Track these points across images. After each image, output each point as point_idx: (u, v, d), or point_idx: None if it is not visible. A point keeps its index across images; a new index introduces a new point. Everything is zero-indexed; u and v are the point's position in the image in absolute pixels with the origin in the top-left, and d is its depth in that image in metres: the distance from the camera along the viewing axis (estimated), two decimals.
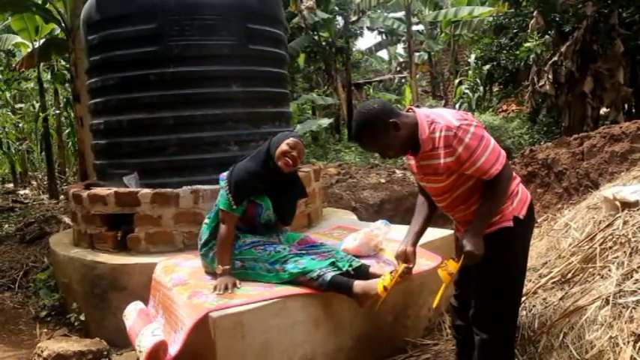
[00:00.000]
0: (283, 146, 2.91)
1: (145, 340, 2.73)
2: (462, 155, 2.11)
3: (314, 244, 3.07)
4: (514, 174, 2.34)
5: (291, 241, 3.08)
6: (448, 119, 2.13)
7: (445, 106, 14.50)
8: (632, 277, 2.48)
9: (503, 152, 2.17)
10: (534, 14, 8.98)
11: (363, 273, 2.85)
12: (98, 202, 3.85)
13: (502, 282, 2.29)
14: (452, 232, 3.51)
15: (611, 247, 2.79)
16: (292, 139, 2.95)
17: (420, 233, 2.48)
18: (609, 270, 2.61)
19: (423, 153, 2.20)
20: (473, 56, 13.46)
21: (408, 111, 2.29)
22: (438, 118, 2.16)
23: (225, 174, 2.99)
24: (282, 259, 2.84)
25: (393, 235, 3.48)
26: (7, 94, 12.96)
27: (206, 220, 3.10)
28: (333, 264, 2.82)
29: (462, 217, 2.36)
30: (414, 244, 2.45)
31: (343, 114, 15.16)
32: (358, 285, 2.69)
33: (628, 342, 2.18)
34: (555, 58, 8.70)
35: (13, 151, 13.10)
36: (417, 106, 2.37)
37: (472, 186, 2.24)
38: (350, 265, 2.84)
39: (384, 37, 16.81)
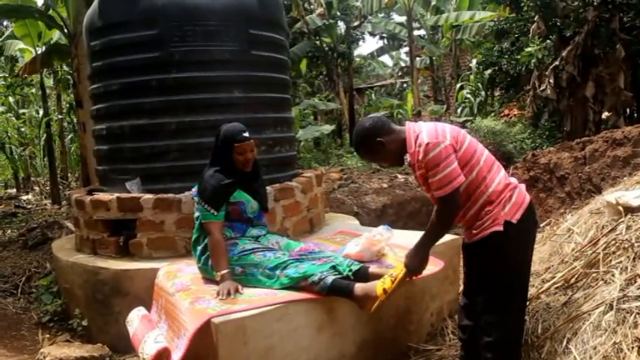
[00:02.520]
0: (236, 156, 2.99)
1: (148, 347, 2.73)
2: (424, 169, 2.30)
3: (312, 251, 3.07)
4: (509, 179, 2.40)
5: (290, 249, 3.08)
6: (423, 136, 2.31)
7: (447, 110, 14.50)
8: (635, 282, 2.47)
9: (459, 180, 2.26)
10: (535, 19, 9.00)
11: (363, 275, 2.85)
12: (100, 208, 3.85)
13: (500, 284, 2.34)
14: (455, 237, 3.51)
15: (614, 252, 2.78)
16: (238, 144, 2.97)
17: None
18: (613, 275, 2.60)
19: (411, 165, 2.40)
20: (474, 61, 13.46)
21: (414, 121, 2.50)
22: (421, 134, 2.33)
23: (195, 190, 3.07)
24: (282, 264, 2.84)
25: (395, 241, 3.47)
26: (11, 100, 13.01)
27: (193, 237, 3.13)
28: (333, 268, 2.83)
29: (461, 222, 2.48)
30: None
31: (345, 119, 15.15)
32: (359, 287, 2.69)
33: (632, 348, 2.17)
34: (557, 63, 8.71)
35: (16, 157, 13.13)
36: (420, 113, 2.46)
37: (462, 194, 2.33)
38: (350, 270, 2.85)
39: (386, 42, 16.84)
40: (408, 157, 2.40)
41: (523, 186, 2.46)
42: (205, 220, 2.95)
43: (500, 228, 2.29)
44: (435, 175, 2.26)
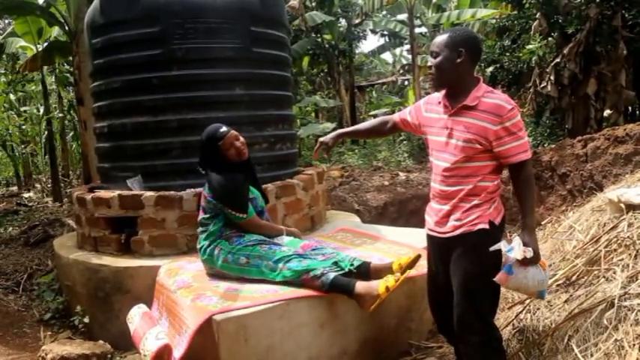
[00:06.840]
0: (226, 152, 3.01)
1: (149, 343, 2.73)
2: (503, 129, 2.18)
3: (315, 247, 3.08)
4: (496, 185, 2.33)
5: (293, 246, 3.08)
6: (507, 97, 2.25)
7: None
8: (637, 279, 2.47)
9: None
10: (537, 16, 8.97)
11: (365, 271, 2.86)
12: (102, 205, 3.86)
13: (481, 282, 2.27)
14: None
15: (615, 250, 2.78)
16: (221, 142, 3.00)
17: (351, 132, 3.18)
18: (614, 272, 2.61)
19: (463, 107, 2.24)
20: None
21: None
22: (497, 92, 2.27)
23: (206, 193, 3.05)
24: (286, 257, 2.88)
25: (396, 238, 3.48)
26: (12, 97, 13.00)
27: (202, 235, 3.11)
28: (335, 264, 2.84)
29: (446, 202, 2.32)
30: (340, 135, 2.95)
31: (346, 116, 15.14)
32: (360, 286, 2.69)
33: (633, 345, 2.17)
34: (558, 60, 8.69)
35: (18, 154, 13.15)
36: None
37: (478, 171, 2.25)
38: (352, 265, 2.86)
39: (387, 39, 16.81)
40: (441, 100, 2.31)
41: None
42: (241, 220, 3.01)
43: (487, 226, 2.25)
44: (520, 139, 2.21)
